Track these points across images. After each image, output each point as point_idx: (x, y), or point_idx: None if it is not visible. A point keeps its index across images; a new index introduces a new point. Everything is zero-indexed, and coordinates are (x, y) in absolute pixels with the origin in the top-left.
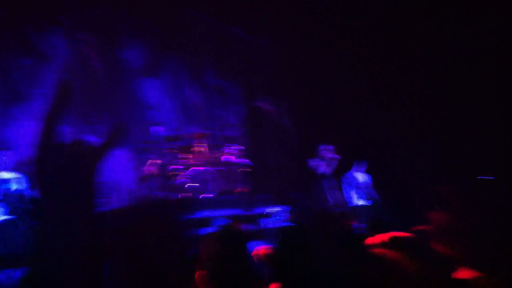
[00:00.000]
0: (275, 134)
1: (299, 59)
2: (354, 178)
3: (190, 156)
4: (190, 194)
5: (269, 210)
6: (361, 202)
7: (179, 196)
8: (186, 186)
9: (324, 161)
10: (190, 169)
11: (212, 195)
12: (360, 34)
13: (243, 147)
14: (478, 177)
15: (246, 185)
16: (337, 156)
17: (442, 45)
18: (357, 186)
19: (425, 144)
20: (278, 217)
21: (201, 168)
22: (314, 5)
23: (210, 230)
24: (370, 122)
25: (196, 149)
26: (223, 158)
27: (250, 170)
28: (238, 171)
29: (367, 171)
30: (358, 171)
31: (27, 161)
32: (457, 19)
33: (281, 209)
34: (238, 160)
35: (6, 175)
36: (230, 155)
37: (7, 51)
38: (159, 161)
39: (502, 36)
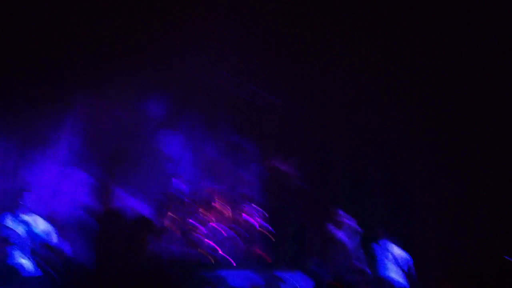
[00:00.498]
0: (291, 194)
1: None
2: (388, 248)
3: (209, 213)
4: (207, 253)
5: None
6: (395, 277)
7: (196, 253)
8: (202, 244)
9: (342, 228)
10: (209, 227)
11: (229, 256)
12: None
13: (261, 208)
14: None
15: (265, 249)
16: (356, 226)
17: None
18: (392, 258)
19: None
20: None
21: (219, 227)
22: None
23: None
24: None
25: (215, 206)
26: (242, 218)
27: (269, 233)
28: (257, 233)
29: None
30: (392, 242)
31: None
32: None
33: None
34: (258, 221)
35: (29, 218)
36: (249, 215)
37: (32, 98)
38: (177, 216)
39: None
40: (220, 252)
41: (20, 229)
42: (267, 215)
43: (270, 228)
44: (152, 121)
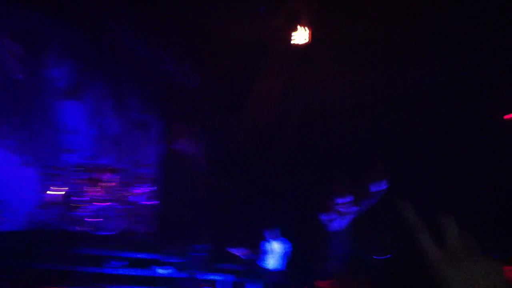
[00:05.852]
0: (189, 177)
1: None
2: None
3: (98, 189)
4: (89, 228)
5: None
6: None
7: (77, 228)
8: (86, 219)
9: (339, 215)
10: (94, 203)
11: (112, 233)
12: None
13: (154, 188)
14: None
15: (151, 227)
16: (354, 208)
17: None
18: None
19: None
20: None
21: (106, 204)
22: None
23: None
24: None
25: (105, 183)
26: (131, 196)
27: (157, 212)
28: (145, 211)
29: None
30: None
31: None
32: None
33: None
34: (147, 200)
35: None
36: (140, 194)
37: None
38: (64, 189)
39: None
40: (103, 229)
41: None
42: (161, 196)
43: (161, 209)
44: (55, 87)
